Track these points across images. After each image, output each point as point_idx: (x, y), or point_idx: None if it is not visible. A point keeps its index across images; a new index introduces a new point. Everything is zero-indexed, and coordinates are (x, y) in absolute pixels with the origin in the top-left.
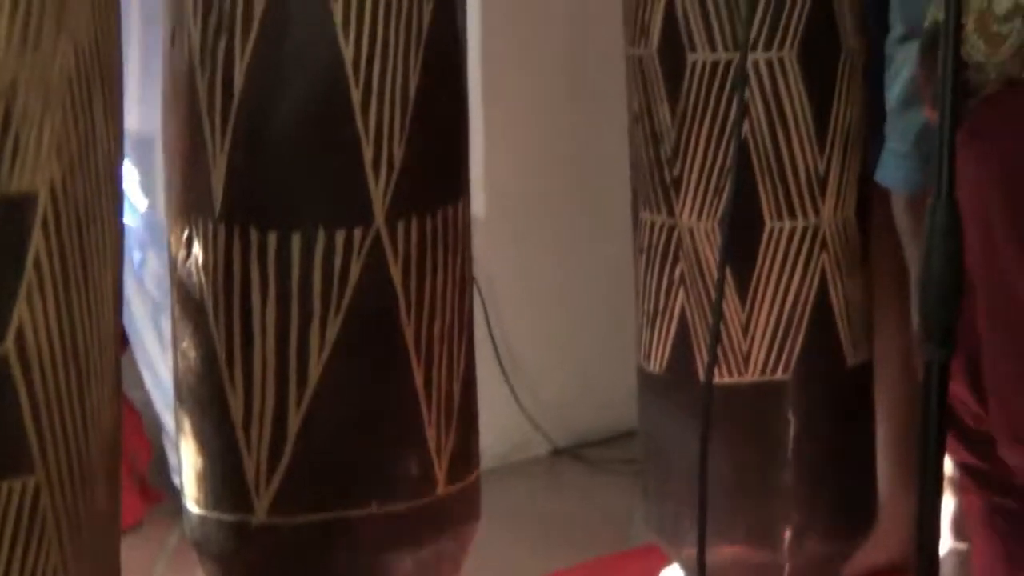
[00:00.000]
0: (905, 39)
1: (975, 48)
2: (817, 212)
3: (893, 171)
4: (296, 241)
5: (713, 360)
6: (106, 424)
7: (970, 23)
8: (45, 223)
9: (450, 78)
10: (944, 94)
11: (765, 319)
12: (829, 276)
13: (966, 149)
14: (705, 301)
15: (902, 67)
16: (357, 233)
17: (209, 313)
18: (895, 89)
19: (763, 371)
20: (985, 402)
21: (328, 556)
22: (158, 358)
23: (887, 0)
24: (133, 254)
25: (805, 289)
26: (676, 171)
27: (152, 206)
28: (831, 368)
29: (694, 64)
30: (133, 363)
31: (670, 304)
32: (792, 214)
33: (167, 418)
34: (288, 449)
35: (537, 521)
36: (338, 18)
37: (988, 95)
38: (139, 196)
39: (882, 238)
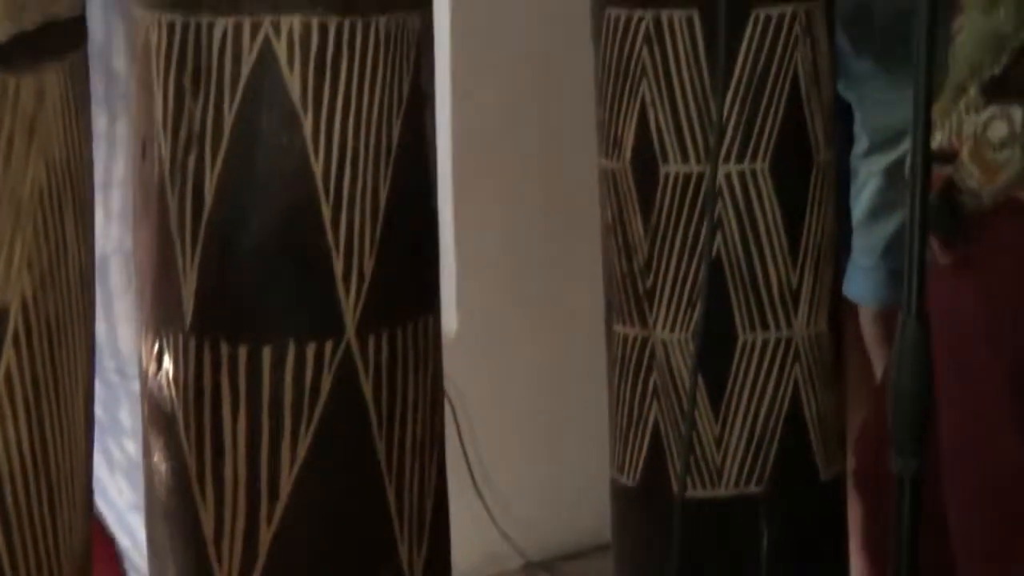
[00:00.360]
0: (870, 153)
1: (970, 175)
2: (790, 324)
3: (859, 285)
4: (267, 354)
5: (685, 471)
6: (77, 546)
7: (965, 150)
8: (16, 338)
9: (420, 191)
10: (913, 209)
11: (738, 432)
12: (802, 389)
13: (960, 274)
14: (678, 413)
15: (867, 181)
16: (328, 346)
17: (180, 426)
18: (861, 203)
19: (736, 484)
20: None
21: None
22: (107, 479)
23: (850, 113)
24: None
25: (778, 402)
26: (649, 283)
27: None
28: (804, 482)
29: (667, 176)
30: None
31: (643, 416)
32: (765, 326)
33: (122, 538)
34: (260, 564)
35: None
36: (308, 131)
37: (982, 218)
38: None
39: (850, 350)
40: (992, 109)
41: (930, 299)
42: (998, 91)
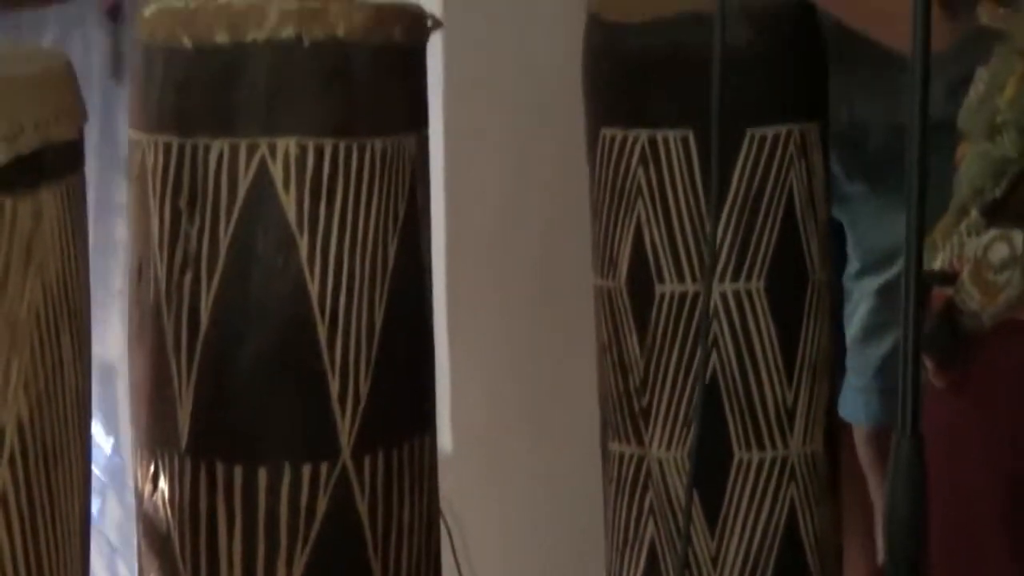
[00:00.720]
0: (862, 274)
1: (970, 297)
2: (786, 443)
3: (853, 405)
4: (262, 475)
5: None
6: None
7: (965, 272)
8: (12, 458)
9: (415, 312)
10: (906, 327)
11: (735, 551)
12: (798, 508)
13: (958, 395)
14: (675, 531)
15: (860, 302)
16: (323, 467)
17: (175, 546)
18: (854, 323)
19: None
20: None
21: None
22: None
23: (842, 234)
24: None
25: (774, 521)
26: (645, 401)
27: (116, 446)
28: None
29: (662, 295)
30: None
31: (640, 534)
32: (761, 445)
33: None
34: None
35: None
36: (304, 253)
37: (981, 339)
38: (102, 434)
39: (846, 470)
40: (993, 232)
41: (927, 420)
42: (999, 214)
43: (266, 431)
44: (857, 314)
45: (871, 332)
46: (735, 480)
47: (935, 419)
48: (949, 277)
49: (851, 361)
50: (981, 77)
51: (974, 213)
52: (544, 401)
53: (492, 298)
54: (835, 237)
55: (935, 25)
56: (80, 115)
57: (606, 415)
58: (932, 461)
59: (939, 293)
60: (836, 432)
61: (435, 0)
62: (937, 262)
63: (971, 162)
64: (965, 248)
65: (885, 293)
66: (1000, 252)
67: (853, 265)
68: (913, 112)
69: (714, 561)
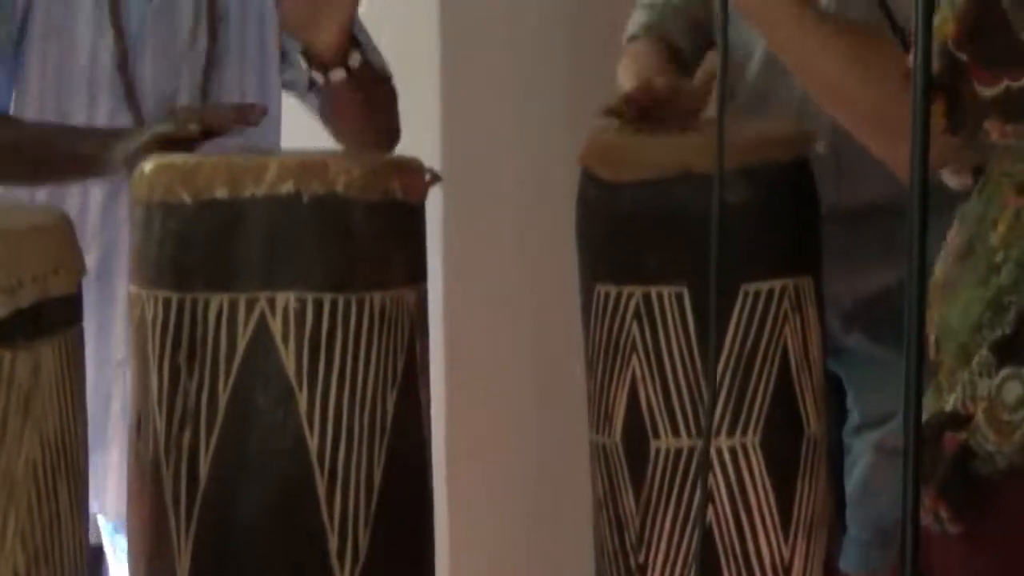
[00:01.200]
0: (861, 428)
1: (985, 438)
2: None
3: (854, 558)
4: None
5: None
6: None
7: (979, 412)
8: None
9: (415, 467)
10: (907, 470)
11: None
12: None
13: (972, 544)
14: None
15: (859, 456)
16: None
17: None
18: (854, 477)
19: None
20: None
21: None
22: None
23: (843, 388)
24: None
25: None
26: (641, 558)
27: None
28: None
29: (657, 451)
30: None
31: None
32: None
33: None
34: None
35: None
36: (303, 408)
37: (997, 486)
38: None
39: None
40: (1006, 371)
41: (941, 570)
42: (1009, 352)
43: None
44: (857, 468)
45: (871, 487)
46: None
47: (953, 566)
48: (962, 420)
49: (851, 515)
50: (962, 218)
51: (984, 352)
52: (540, 558)
53: (490, 455)
54: (835, 391)
55: (937, 141)
56: (78, 269)
57: (602, 571)
58: None
59: (952, 437)
60: None
61: (435, 156)
62: (948, 405)
63: (965, 310)
64: (977, 389)
65: (884, 448)
66: (1014, 391)
67: (853, 419)
68: (914, 110)
69: None
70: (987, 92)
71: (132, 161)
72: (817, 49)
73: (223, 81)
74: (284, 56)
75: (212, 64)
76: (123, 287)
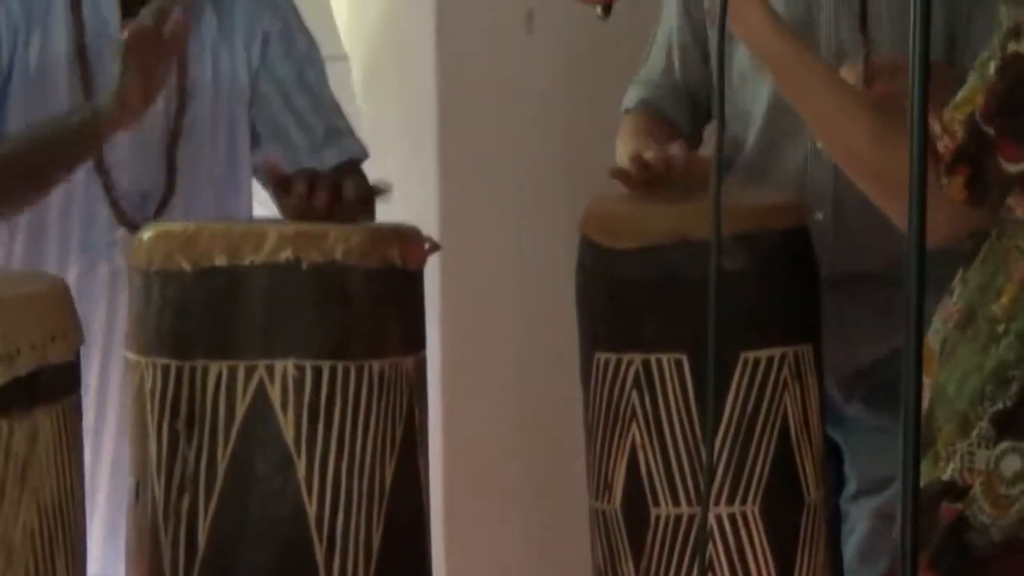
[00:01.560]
0: (858, 495)
1: (981, 510)
2: None
3: None
4: None
5: None
6: None
7: (976, 484)
8: None
9: (413, 532)
10: (905, 516)
11: None
12: None
13: None
14: None
15: (856, 523)
16: None
17: None
18: (851, 545)
19: None
20: None
21: None
22: None
23: (839, 454)
24: None
25: None
26: None
27: None
28: None
29: (657, 518)
30: None
31: None
32: None
33: None
34: None
35: None
36: (301, 474)
37: (987, 558)
38: None
39: None
40: (1005, 444)
41: None
42: (1010, 424)
43: None
44: (854, 535)
45: (868, 554)
46: None
47: None
48: (959, 490)
49: None
50: (963, 283)
51: (984, 424)
52: None
53: (488, 520)
54: (833, 458)
55: (957, 214)
56: (77, 336)
57: None
58: None
59: (948, 507)
60: None
61: (433, 224)
62: (946, 474)
63: (964, 379)
64: (976, 460)
65: (882, 515)
66: (1013, 465)
67: (851, 486)
68: (914, 114)
69: None
70: (1013, 168)
71: (123, 91)
72: (839, 115)
73: (191, 153)
74: (256, 139)
75: (179, 135)
76: (97, 355)
